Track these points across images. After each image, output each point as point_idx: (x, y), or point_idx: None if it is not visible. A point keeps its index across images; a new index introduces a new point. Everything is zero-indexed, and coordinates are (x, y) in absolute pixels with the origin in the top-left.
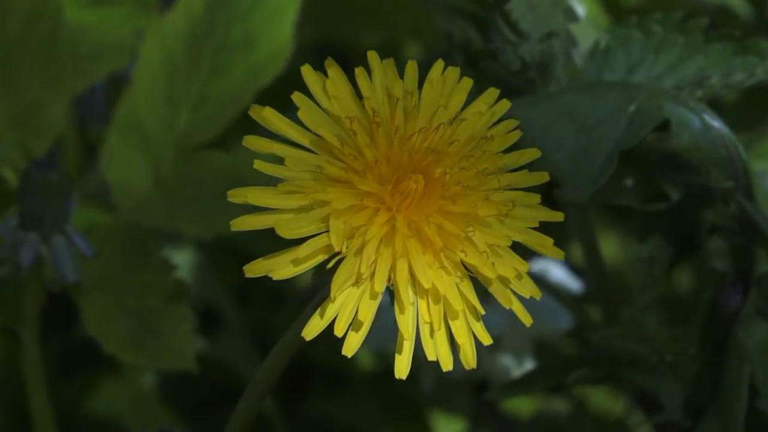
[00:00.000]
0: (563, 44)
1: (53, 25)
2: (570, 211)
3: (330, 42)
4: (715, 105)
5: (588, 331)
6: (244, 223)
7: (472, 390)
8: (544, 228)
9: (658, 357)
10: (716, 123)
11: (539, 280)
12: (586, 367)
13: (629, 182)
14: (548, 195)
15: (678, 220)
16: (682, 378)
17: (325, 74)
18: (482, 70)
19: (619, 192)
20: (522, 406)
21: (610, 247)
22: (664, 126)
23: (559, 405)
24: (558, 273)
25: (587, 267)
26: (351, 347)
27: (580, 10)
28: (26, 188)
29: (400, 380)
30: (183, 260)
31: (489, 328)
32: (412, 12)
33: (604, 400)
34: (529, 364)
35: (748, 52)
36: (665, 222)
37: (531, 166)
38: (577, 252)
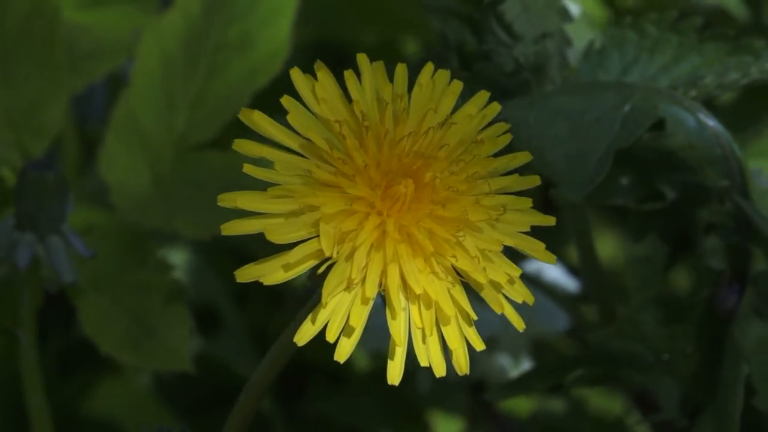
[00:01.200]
0: (557, 45)
1: (51, 24)
2: (566, 211)
3: (327, 41)
4: (711, 104)
5: (585, 330)
6: (234, 228)
7: (470, 390)
8: (540, 229)
9: (654, 356)
10: (711, 122)
11: (535, 280)
12: (583, 366)
13: (624, 182)
14: (544, 195)
15: (674, 220)
16: (678, 377)
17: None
18: (476, 71)
19: (615, 192)
20: (519, 406)
21: (607, 246)
22: (659, 125)
23: (557, 405)
24: (554, 273)
25: (583, 267)
26: (343, 353)
27: (575, 9)
28: (22, 188)
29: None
30: (181, 260)
31: (485, 328)
32: (409, 10)
33: (601, 399)
34: (526, 364)
35: (743, 51)
36: (661, 221)
37: (525, 168)
38: (573, 252)
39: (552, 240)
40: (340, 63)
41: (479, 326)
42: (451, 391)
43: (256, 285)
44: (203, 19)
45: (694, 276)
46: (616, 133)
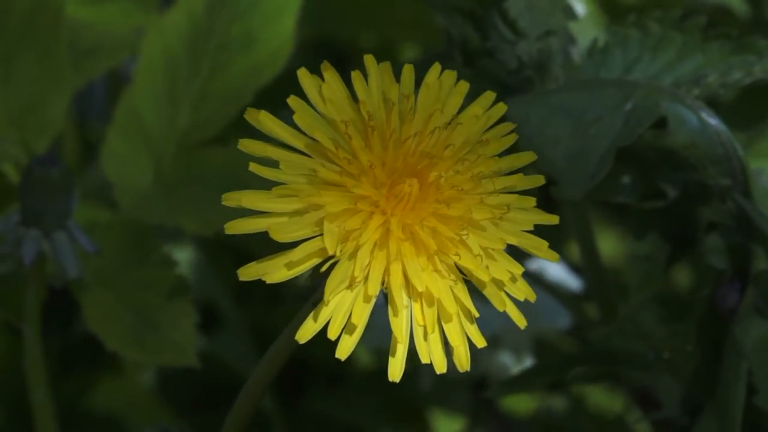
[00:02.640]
0: (561, 42)
1: (54, 21)
2: (567, 209)
3: (329, 40)
4: (714, 103)
5: (586, 328)
6: (238, 227)
7: (471, 388)
8: (541, 227)
9: (655, 354)
10: (713, 120)
11: (537, 278)
12: (584, 364)
13: (626, 180)
14: (545, 193)
15: (675, 218)
16: (679, 375)
17: (318, 77)
18: (479, 68)
19: (616, 190)
20: (520, 403)
21: (608, 244)
22: (660, 123)
23: (558, 403)
24: (556, 271)
25: (585, 265)
26: (345, 350)
27: (580, 8)
28: (28, 184)
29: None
30: (183, 258)
31: (488, 326)
32: (410, 10)
33: (602, 397)
34: (527, 362)
35: (746, 51)
36: (662, 220)
37: (527, 166)
38: (575, 250)
39: (553, 238)
40: (341, 62)
41: (481, 324)
42: (452, 389)
43: (257, 283)
44: (206, 17)
45: (695, 274)
46: (618, 131)
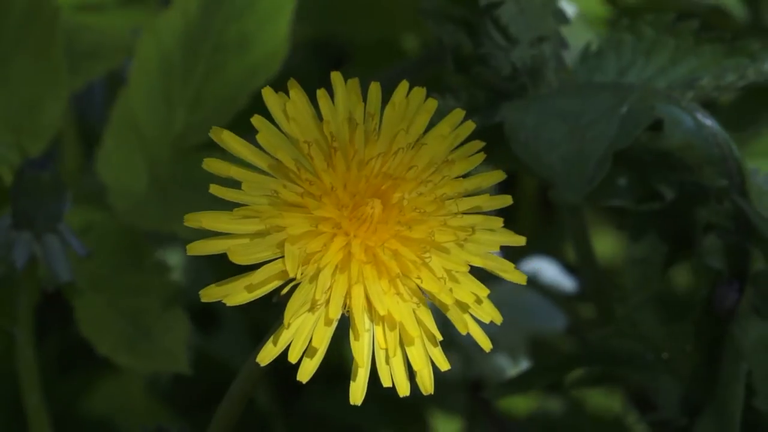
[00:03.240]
0: (554, 47)
1: (50, 24)
2: (564, 212)
3: (326, 40)
4: (709, 104)
5: (583, 330)
6: (199, 248)
7: (468, 389)
8: (538, 230)
9: (654, 355)
10: (709, 121)
11: (533, 279)
12: (582, 365)
13: (623, 182)
14: (543, 196)
15: (672, 219)
16: (678, 376)
17: (319, 76)
18: (473, 75)
19: (613, 192)
20: (518, 405)
21: (605, 245)
22: (656, 126)
23: (555, 404)
24: (551, 272)
25: (581, 266)
26: (306, 373)
27: (571, 10)
28: (19, 188)
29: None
30: (178, 261)
31: (484, 326)
32: (408, 9)
33: (600, 398)
34: (524, 364)
35: (739, 53)
36: (659, 221)
37: (523, 170)
38: (571, 251)
39: (550, 240)
40: (341, 61)
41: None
42: (450, 391)
43: None
44: (201, 19)
45: (693, 275)
46: (614, 134)
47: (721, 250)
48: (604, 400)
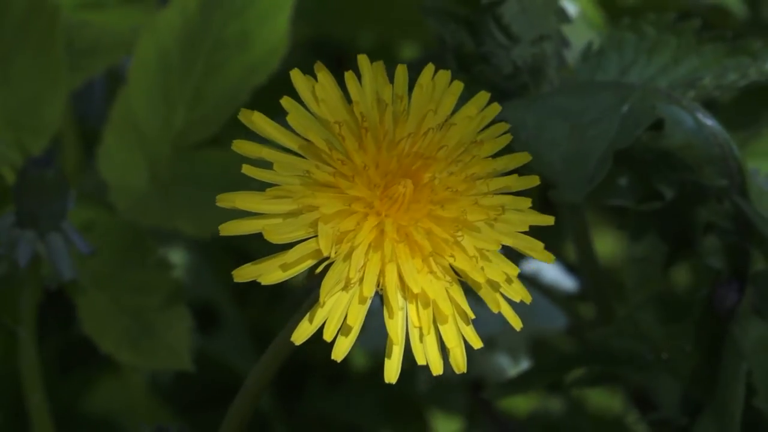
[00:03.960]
0: (555, 46)
1: (51, 22)
2: (564, 211)
3: (324, 40)
4: (710, 104)
5: (583, 329)
6: (233, 228)
7: (469, 389)
8: (538, 228)
9: (654, 355)
10: (709, 121)
11: (533, 279)
12: (582, 365)
13: (623, 182)
14: (543, 196)
15: (672, 219)
16: (678, 376)
17: (316, 78)
18: (475, 74)
19: (614, 192)
20: (519, 404)
21: (605, 245)
22: (657, 125)
23: (556, 404)
24: (552, 272)
25: (582, 266)
26: (340, 351)
27: (572, 9)
28: (23, 186)
29: (397, 379)
30: (180, 259)
31: (484, 327)
32: (407, 9)
33: (601, 398)
34: (525, 363)
35: (741, 53)
36: (660, 221)
37: (524, 169)
38: (572, 251)
39: (550, 239)
40: (338, 61)
41: (478, 325)
42: (451, 390)
43: (256, 283)
44: (201, 17)
45: (693, 275)
46: (615, 133)
47: (721, 250)
48: (604, 400)
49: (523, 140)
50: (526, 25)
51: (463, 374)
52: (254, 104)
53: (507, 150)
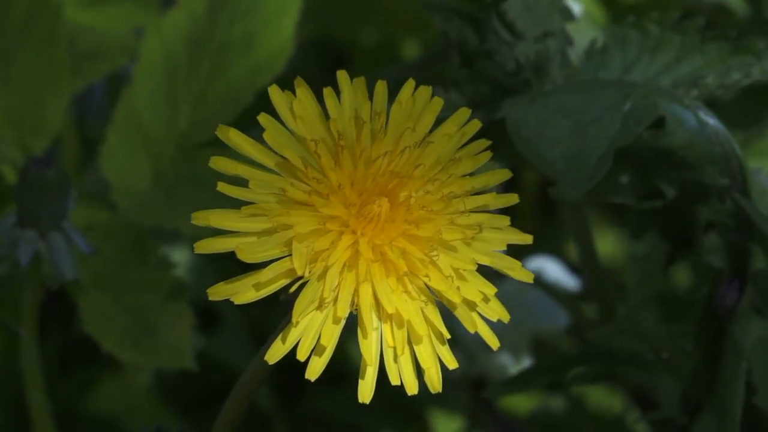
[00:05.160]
0: (559, 44)
1: (53, 22)
2: (566, 209)
3: (328, 40)
4: (712, 103)
5: (585, 328)
6: (207, 246)
7: (470, 388)
8: (539, 229)
9: (654, 354)
10: (711, 120)
11: (535, 278)
12: (583, 364)
13: (624, 180)
14: (545, 195)
15: (673, 218)
16: (678, 375)
17: (320, 76)
18: (477, 70)
19: (615, 190)
20: (519, 404)
21: (606, 244)
22: (659, 123)
23: (557, 403)
24: (554, 271)
25: (583, 265)
26: (314, 371)
27: (576, 7)
28: (24, 186)
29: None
30: (181, 259)
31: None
32: (410, 9)
33: (601, 397)
34: (526, 362)
35: (744, 52)
36: (661, 219)
37: (525, 165)
38: (573, 250)
39: (552, 238)
40: (342, 61)
41: None
42: (451, 390)
43: None
44: (207, 18)
45: (693, 274)
46: (616, 131)
47: (722, 249)
48: (605, 399)
49: (525, 137)
50: (530, 23)
51: (464, 373)
52: (258, 105)
53: (508, 149)
